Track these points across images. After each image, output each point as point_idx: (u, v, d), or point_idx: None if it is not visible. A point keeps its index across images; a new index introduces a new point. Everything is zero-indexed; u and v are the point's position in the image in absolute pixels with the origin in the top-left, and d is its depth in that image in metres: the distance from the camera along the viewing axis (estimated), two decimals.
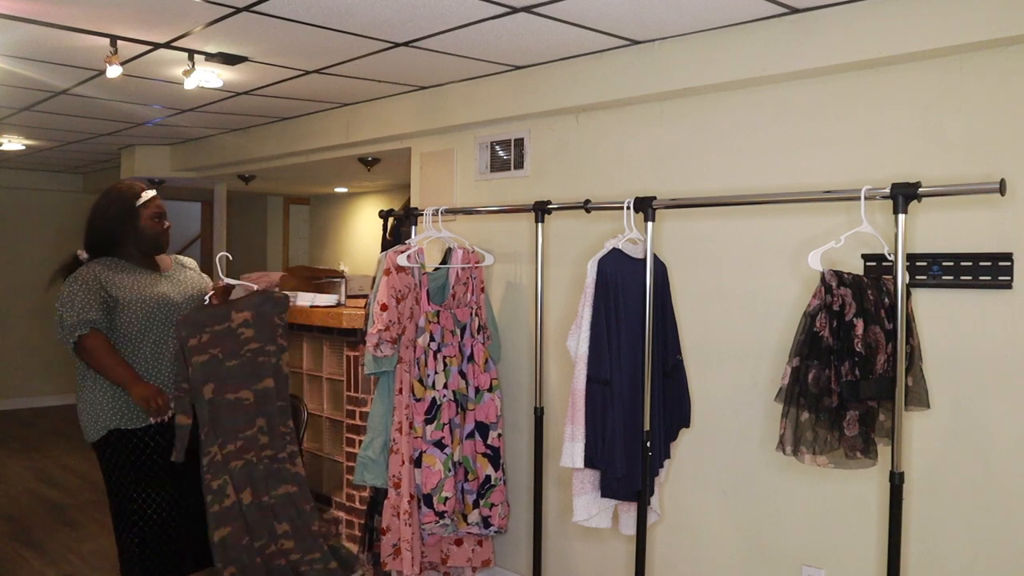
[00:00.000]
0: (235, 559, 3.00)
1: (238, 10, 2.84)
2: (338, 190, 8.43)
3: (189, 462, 3.09)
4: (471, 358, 3.50)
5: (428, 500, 3.30)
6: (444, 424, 3.32)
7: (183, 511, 3.15)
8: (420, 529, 3.38)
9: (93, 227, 3.19)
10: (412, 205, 4.19)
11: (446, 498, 3.28)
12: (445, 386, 3.37)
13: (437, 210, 3.51)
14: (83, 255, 3.18)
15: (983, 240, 2.48)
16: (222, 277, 3.31)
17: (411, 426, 3.34)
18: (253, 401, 3.11)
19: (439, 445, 3.31)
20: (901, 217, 2.16)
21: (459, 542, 3.59)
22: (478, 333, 3.52)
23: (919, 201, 2.18)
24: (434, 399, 3.32)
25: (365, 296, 3.84)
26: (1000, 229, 2.46)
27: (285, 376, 3.19)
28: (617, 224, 2.90)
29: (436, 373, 3.33)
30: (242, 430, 3.09)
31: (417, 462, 3.34)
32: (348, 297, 4.84)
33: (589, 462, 2.71)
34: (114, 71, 3.21)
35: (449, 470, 3.30)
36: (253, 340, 3.12)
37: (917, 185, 2.15)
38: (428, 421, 3.32)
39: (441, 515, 3.30)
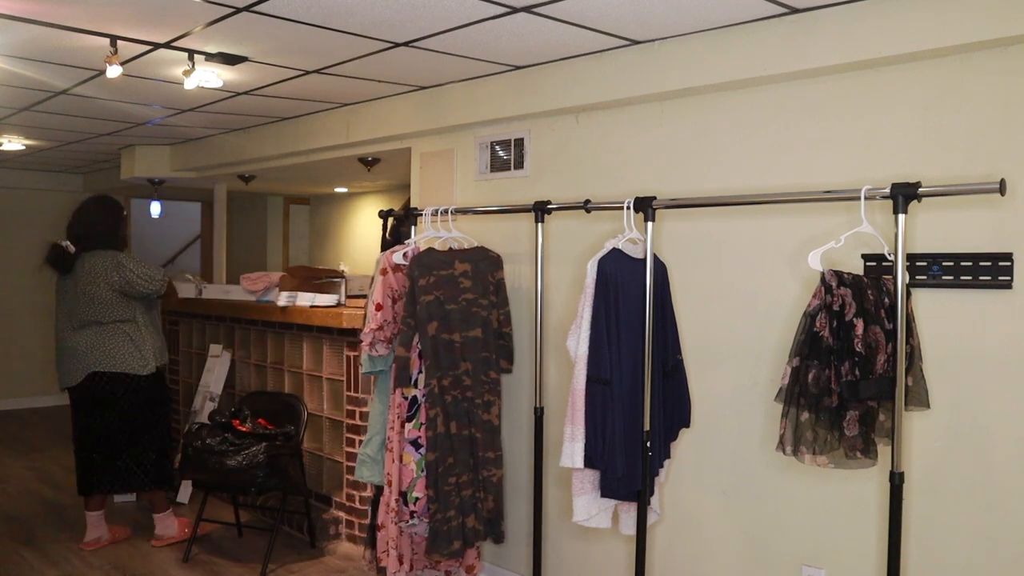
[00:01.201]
0: (433, 482, 3.29)
1: (238, 10, 2.84)
2: (338, 190, 8.43)
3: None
4: None
5: (405, 498, 3.32)
6: (422, 424, 3.32)
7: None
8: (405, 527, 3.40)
9: (103, 224, 4.32)
10: (412, 205, 4.19)
11: (416, 498, 3.29)
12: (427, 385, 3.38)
13: (437, 210, 3.51)
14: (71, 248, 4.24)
15: (983, 240, 2.48)
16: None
17: (402, 424, 3.36)
18: (461, 345, 3.37)
19: (415, 444, 3.32)
20: (901, 217, 2.16)
21: None
22: None
23: (919, 201, 2.18)
24: (415, 398, 3.33)
25: (365, 296, 3.85)
26: (1000, 229, 2.46)
27: (494, 331, 3.50)
28: (617, 224, 2.90)
29: (420, 372, 3.34)
30: (453, 369, 3.36)
31: (401, 460, 3.36)
32: (348, 297, 4.84)
33: (589, 462, 2.71)
34: (114, 71, 3.21)
35: (422, 470, 3.30)
36: (470, 291, 3.42)
37: (917, 185, 2.15)
38: (408, 419, 3.33)
39: (411, 514, 3.31)
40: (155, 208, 8.64)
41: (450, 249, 3.50)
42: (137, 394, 4.19)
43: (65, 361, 4.22)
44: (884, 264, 2.54)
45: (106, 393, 4.15)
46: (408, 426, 3.33)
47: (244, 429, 4.12)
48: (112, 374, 4.14)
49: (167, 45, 3.30)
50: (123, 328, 4.17)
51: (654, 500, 2.91)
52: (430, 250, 3.39)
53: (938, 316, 2.56)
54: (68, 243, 4.22)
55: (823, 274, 2.21)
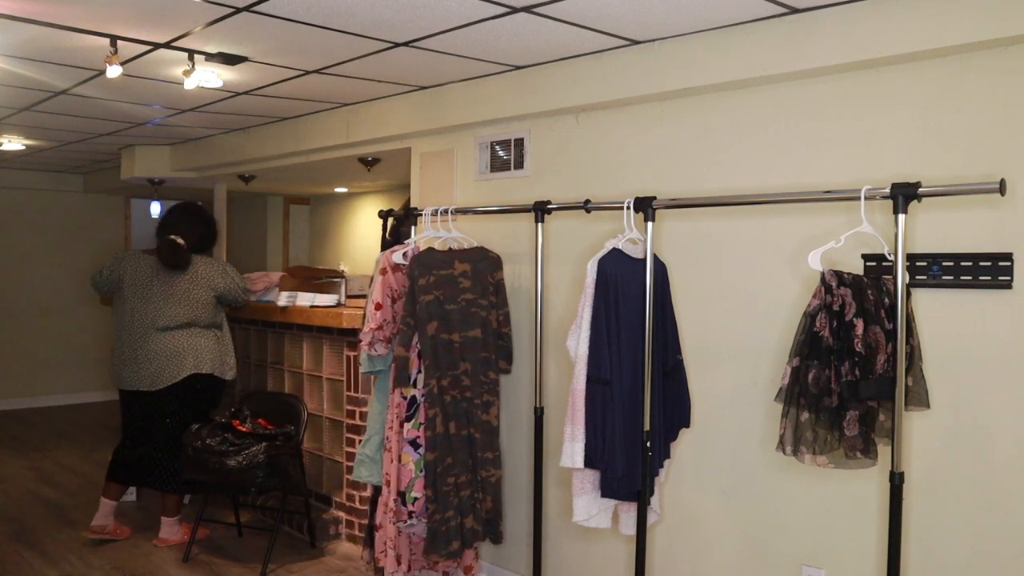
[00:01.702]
0: (431, 483, 3.29)
1: (238, 10, 2.84)
2: (338, 190, 8.42)
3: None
4: None
5: (403, 498, 3.33)
6: (421, 424, 3.33)
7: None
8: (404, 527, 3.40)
9: (209, 233, 4.53)
10: (412, 205, 4.19)
11: (415, 498, 3.29)
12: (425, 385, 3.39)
13: (437, 210, 3.51)
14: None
15: (983, 240, 2.48)
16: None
17: (401, 424, 3.36)
18: (460, 345, 3.37)
19: (414, 444, 3.32)
20: (901, 217, 2.16)
21: None
22: None
23: (919, 201, 2.18)
24: (414, 398, 3.33)
25: (365, 296, 3.85)
26: (1000, 229, 2.46)
27: (493, 331, 3.50)
28: (617, 224, 2.90)
29: (419, 372, 3.34)
30: (452, 369, 3.36)
31: (399, 460, 3.36)
32: (348, 297, 4.84)
33: (589, 462, 2.71)
34: (114, 71, 3.21)
35: (420, 470, 3.30)
36: (469, 291, 3.42)
37: (917, 185, 2.15)
38: (407, 419, 3.33)
39: (410, 515, 3.31)
40: (155, 208, 8.65)
41: (450, 249, 3.50)
42: (212, 397, 4.39)
43: (153, 362, 4.19)
44: (884, 264, 2.54)
45: (192, 394, 4.25)
46: (407, 426, 3.33)
47: (244, 429, 4.12)
48: (203, 375, 4.25)
49: (167, 45, 3.30)
50: (214, 332, 4.33)
51: (654, 500, 2.92)
52: (430, 250, 3.39)
53: (938, 316, 2.56)
54: (183, 241, 4.28)
55: (823, 274, 2.21)
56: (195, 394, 4.27)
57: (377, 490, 3.53)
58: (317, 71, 3.77)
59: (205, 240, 4.49)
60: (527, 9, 2.78)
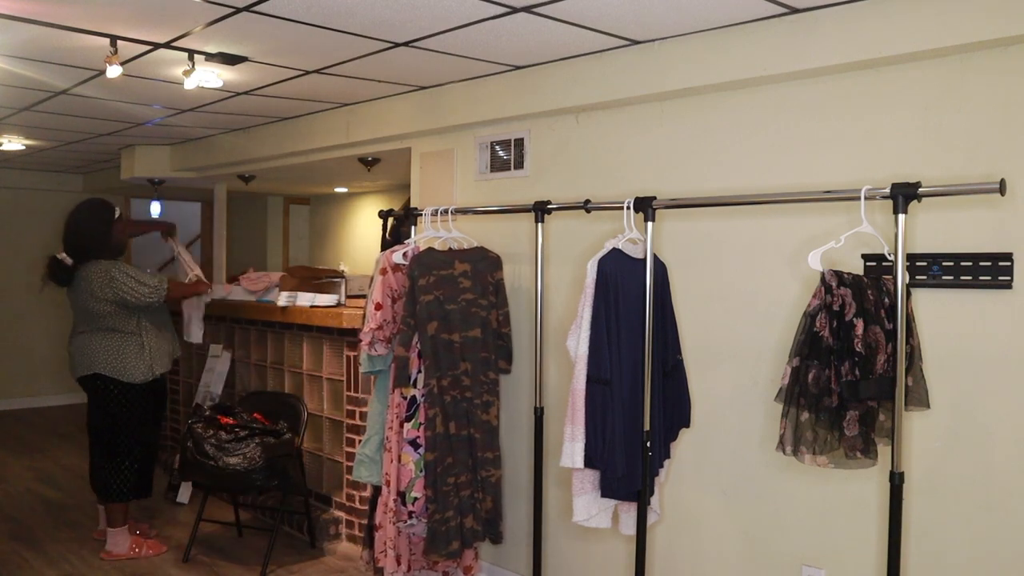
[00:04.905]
0: (431, 483, 3.29)
1: (238, 10, 2.84)
2: (338, 190, 8.42)
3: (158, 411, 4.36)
4: None
5: (403, 498, 3.33)
6: (421, 423, 3.33)
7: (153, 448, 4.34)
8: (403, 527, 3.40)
9: (84, 240, 4.21)
10: (412, 205, 4.19)
11: (415, 498, 3.29)
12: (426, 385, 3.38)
13: (437, 210, 3.51)
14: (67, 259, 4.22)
15: (983, 240, 2.48)
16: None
17: (401, 424, 3.36)
18: (460, 345, 3.36)
19: (413, 444, 3.32)
20: (901, 217, 2.16)
21: None
22: None
23: (919, 201, 2.18)
24: (414, 398, 3.33)
25: (365, 296, 3.85)
26: (1000, 229, 2.46)
27: (493, 331, 3.50)
28: (617, 224, 2.90)
29: (419, 372, 3.34)
30: (452, 369, 3.35)
31: (399, 460, 3.36)
32: (348, 297, 4.84)
33: (589, 462, 2.71)
34: (114, 71, 3.21)
35: (420, 470, 3.30)
36: (469, 291, 3.41)
37: (917, 185, 2.15)
38: (407, 419, 3.33)
39: (410, 515, 3.31)
40: (155, 208, 8.63)
41: (450, 249, 3.50)
42: (122, 402, 4.16)
43: (70, 357, 4.26)
44: (884, 264, 2.54)
45: (99, 395, 4.17)
46: (407, 426, 3.34)
47: (230, 421, 4.08)
48: (106, 377, 4.12)
49: (167, 45, 3.30)
50: (125, 337, 4.14)
51: (654, 500, 2.92)
52: (430, 250, 3.39)
53: (938, 316, 2.56)
54: (64, 255, 4.18)
55: (823, 274, 2.21)
56: (99, 394, 4.16)
57: (377, 490, 3.53)
58: (317, 71, 3.77)
59: (88, 251, 4.17)
60: (527, 9, 2.78)
